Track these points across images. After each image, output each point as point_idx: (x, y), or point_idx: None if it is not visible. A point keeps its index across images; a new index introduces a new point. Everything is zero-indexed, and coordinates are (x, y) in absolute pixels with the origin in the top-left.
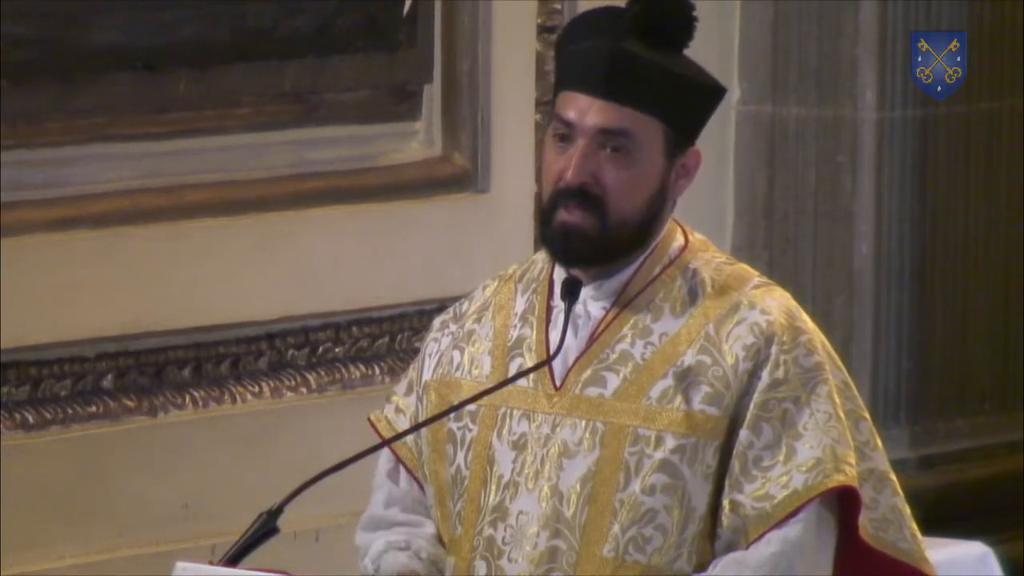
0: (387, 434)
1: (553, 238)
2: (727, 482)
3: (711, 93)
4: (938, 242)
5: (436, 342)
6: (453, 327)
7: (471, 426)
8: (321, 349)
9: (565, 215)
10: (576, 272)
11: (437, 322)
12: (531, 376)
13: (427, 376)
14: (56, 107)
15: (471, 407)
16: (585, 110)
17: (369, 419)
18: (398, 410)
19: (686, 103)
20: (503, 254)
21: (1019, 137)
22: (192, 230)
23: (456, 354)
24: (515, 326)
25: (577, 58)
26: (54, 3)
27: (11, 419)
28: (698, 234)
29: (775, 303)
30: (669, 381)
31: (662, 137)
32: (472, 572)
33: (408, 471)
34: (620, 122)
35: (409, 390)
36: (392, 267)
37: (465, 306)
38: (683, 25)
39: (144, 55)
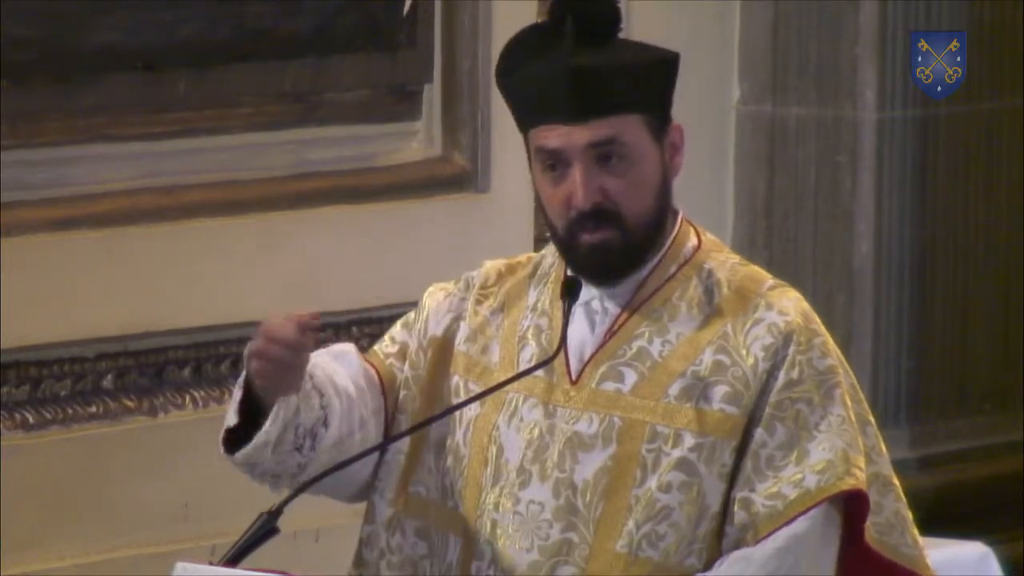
0: (370, 356)
1: (584, 261)
2: (739, 479)
3: (668, 64)
4: (938, 242)
5: (450, 297)
6: (463, 294)
7: (473, 404)
8: None
9: (588, 237)
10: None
11: (437, 286)
12: (547, 367)
13: (436, 332)
14: (56, 107)
15: (473, 385)
16: (567, 136)
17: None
18: (393, 341)
19: (653, 85)
20: (503, 254)
21: (1019, 137)
22: (192, 230)
23: (463, 326)
24: (527, 317)
25: (532, 91)
26: (54, 3)
27: (11, 419)
28: (710, 234)
29: (791, 304)
30: (688, 380)
31: (645, 127)
32: (477, 555)
33: (381, 383)
34: (605, 131)
35: (406, 326)
36: (392, 267)
37: (475, 280)
38: (613, 14)
39: (144, 55)
